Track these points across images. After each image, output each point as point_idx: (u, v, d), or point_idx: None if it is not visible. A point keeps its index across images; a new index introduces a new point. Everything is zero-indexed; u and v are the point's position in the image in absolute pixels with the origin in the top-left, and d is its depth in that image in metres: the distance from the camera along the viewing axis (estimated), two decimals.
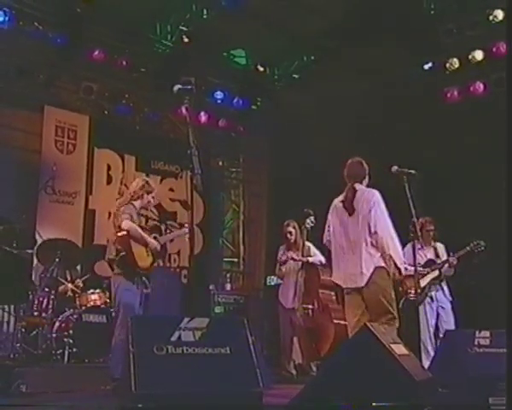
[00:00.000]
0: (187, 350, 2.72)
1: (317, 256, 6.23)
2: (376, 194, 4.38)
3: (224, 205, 10.27)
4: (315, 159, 9.23)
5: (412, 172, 4.38)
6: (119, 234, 4.81)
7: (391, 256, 4.26)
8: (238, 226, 10.16)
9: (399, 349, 2.98)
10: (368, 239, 4.28)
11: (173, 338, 2.73)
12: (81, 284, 6.22)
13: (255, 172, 10.23)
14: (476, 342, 3.58)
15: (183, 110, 3.50)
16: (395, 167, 4.43)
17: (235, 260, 9.99)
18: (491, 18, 7.52)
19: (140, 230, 4.92)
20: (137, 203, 5.05)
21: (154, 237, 5.13)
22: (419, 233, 4.32)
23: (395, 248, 4.30)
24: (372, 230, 4.25)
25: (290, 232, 6.36)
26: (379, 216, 4.28)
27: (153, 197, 5.18)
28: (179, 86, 3.61)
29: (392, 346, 2.89)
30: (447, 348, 3.54)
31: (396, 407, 2.82)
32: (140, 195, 5.05)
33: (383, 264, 4.26)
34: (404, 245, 4.72)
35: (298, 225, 6.33)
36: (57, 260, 5.90)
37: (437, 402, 3.21)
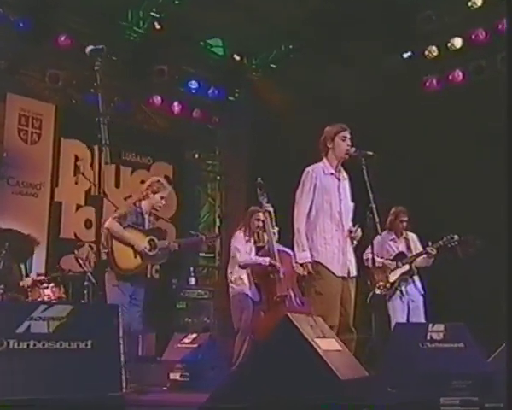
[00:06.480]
0: (34, 345, 2.30)
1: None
2: None
3: (200, 199, 10.00)
4: (293, 150, 8.95)
5: (370, 153, 4.06)
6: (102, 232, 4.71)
7: None
8: (214, 221, 9.87)
9: (328, 344, 2.67)
10: None
11: (20, 330, 2.31)
12: (32, 278, 5.89)
13: (232, 165, 9.90)
14: (429, 337, 3.27)
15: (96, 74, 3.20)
16: (353, 149, 4.12)
17: (211, 255, 9.71)
18: (470, 4, 7.27)
19: (122, 230, 4.76)
20: (144, 203, 4.95)
21: (151, 240, 4.92)
22: (377, 219, 3.98)
23: None
24: None
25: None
26: None
27: (161, 197, 5.01)
28: (91, 47, 3.35)
29: (318, 340, 2.57)
30: (397, 343, 3.24)
31: (330, 407, 2.54)
32: (145, 195, 4.94)
33: None
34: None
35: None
36: (4, 251, 5.60)
37: (384, 402, 2.92)
